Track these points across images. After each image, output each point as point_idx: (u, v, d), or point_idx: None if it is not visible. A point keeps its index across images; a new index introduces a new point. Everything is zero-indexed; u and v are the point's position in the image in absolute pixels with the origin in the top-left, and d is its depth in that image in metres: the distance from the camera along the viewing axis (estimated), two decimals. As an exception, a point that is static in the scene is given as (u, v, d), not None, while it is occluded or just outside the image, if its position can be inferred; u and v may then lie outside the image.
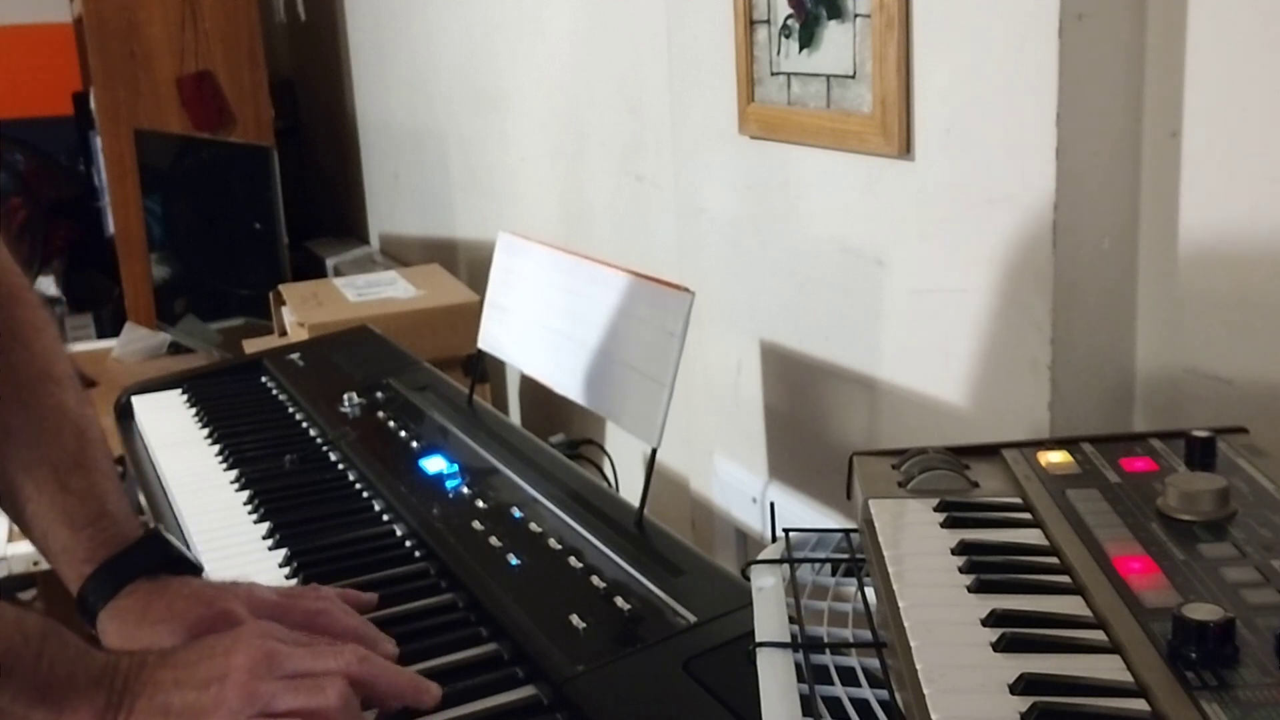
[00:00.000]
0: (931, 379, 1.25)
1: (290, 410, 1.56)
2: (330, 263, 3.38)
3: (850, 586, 0.85)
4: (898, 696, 0.68)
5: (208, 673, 0.80)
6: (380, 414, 1.46)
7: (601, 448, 2.00)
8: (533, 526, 1.11)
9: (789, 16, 1.36)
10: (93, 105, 3.37)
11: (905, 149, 1.22)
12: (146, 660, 0.83)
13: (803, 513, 1.48)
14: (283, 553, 1.15)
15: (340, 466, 1.36)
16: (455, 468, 1.27)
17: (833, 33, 1.30)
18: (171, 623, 0.90)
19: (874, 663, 0.75)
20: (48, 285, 4.09)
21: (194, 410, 1.59)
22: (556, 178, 2.27)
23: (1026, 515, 0.79)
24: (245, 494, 1.29)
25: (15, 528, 2.02)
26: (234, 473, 1.36)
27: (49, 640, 0.80)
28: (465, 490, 1.22)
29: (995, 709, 0.59)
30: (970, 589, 0.70)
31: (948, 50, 1.16)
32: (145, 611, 0.92)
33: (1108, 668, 0.62)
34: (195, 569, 0.99)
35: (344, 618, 0.94)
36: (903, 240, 1.26)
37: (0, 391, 0.98)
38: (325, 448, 1.42)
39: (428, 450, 1.32)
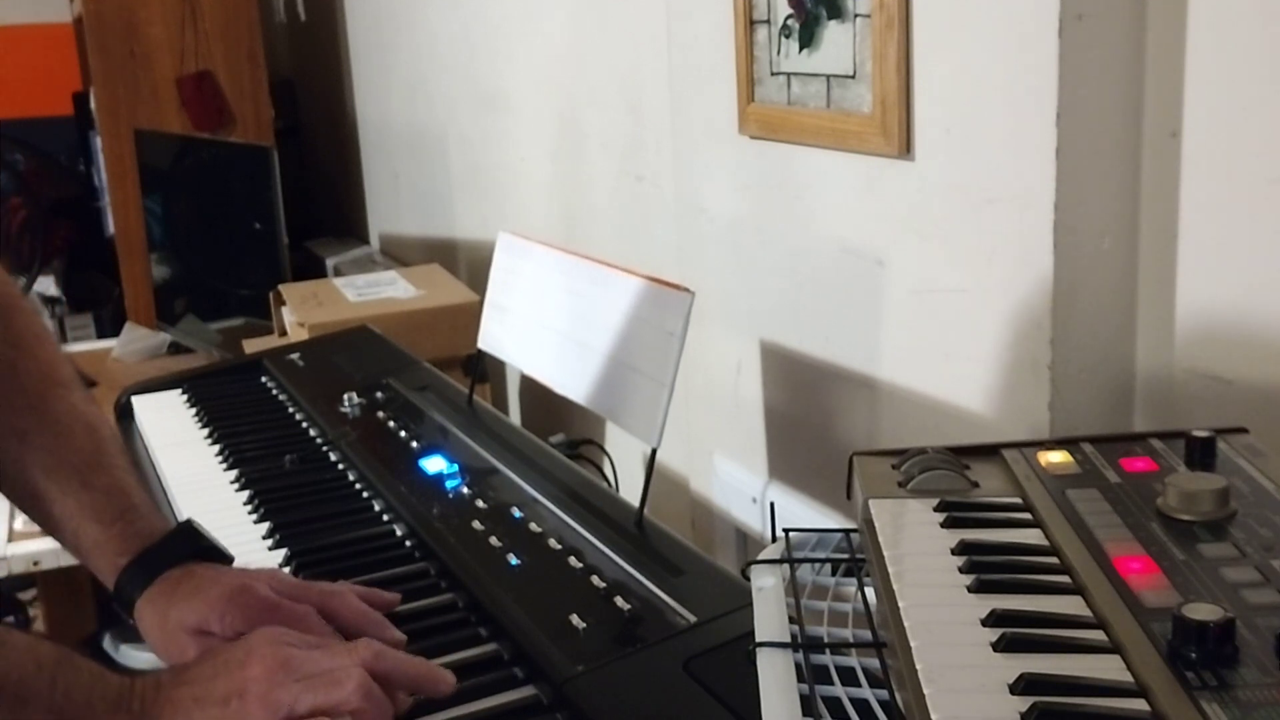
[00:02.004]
0: (931, 379, 1.25)
1: (290, 410, 1.56)
2: (330, 263, 3.38)
3: (850, 586, 0.85)
4: (898, 696, 0.68)
5: (226, 688, 0.81)
6: (380, 414, 1.46)
7: (601, 448, 2.00)
8: (533, 526, 1.11)
9: (789, 16, 1.36)
10: (93, 105, 3.37)
11: (905, 149, 1.22)
12: (161, 680, 0.83)
13: (803, 513, 1.48)
14: (283, 553, 1.15)
15: (340, 466, 1.36)
16: (455, 468, 1.27)
17: (833, 33, 1.30)
18: (196, 599, 0.93)
19: (874, 663, 0.75)
20: (48, 285, 4.09)
21: (194, 410, 1.60)
22: (556, 178, 2.27)
23: (1026, 515, 0.79)
24: (245, 494, 1.29)
25: (14, 528, 2.03)
26: (234, 473, 1.36)
27: (62, 667, 0.81)
28: (465, 490, 1.22)
29: (995, 709, 0.59)
30: (970, 589, 0.70)
31: (948, 50, 1.16)
32: (174, 592, 0.95)
33: (1108, 668, 0.62)
34: (225, 558, 1.02)
35: (355, 602, 0.96)
36: (903, 240, 1.26)
37: (12, 400, 1.01)
38: (325, 448, 1.42)
39: (428, 450, 1.32)
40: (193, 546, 1.00)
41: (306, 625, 0.91)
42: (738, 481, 1.63)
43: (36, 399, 1.02)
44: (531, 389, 2.41)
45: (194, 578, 0.96)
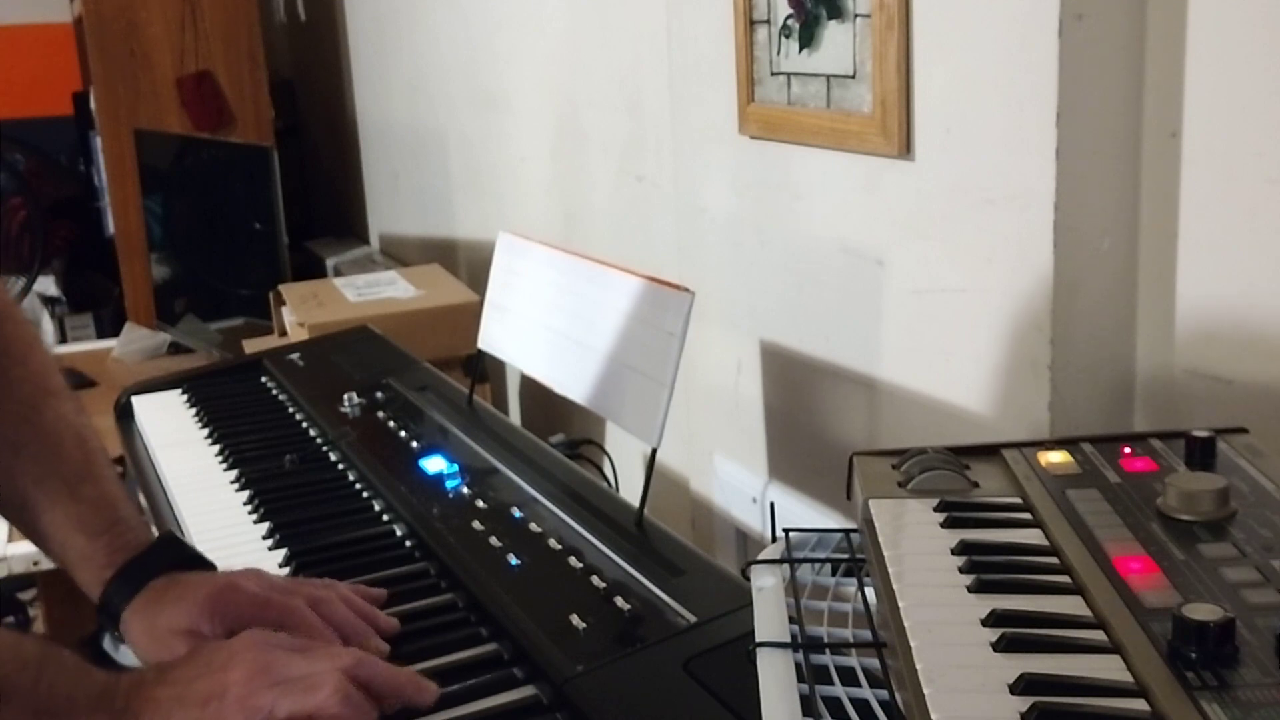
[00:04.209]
0: (931, 379, 1.25)
1: (290, 410, 1.56)
2: (330, 263, 3.38)
3: (850, 586, 0.85)
4: (898, 696, 0.68)
5: (206, 690, 0.81)
6: (380, 414, 1.46)
7: (601, 448, 2.00)
8: (533, 526, 1.11)
9: (789, 16, 1.36)
10: (93, 105, 3.37)
11: (905, 149, 1.22)
12: (145, 678, 0.84)
13: (803, 513, 1.48)
14: (283, 553, 1.15)
15: (340, 466, 1.36)
16: (455, 468, 1.27)
17: (833, 33, 1.30)
18: (184, 602, 0.94)
19: (874, 663, 0.75)
20: (48, 285, 4.09)
21: (194, 410, 1.60)
22: (556, 178, 2.27)
23: (1026, 515, 0.79)
24: (245, 494, 1.29)
25: (15, 528, 2.03)
26: (234, 473, 1.36)
27: (47, 663, 0.82)
28: (465, 490, 1.22)
29: (995, 709, 0.59)
30: (970, 589, 0.70)
31: (948, 50, 1.16)
32: (161, 599, 0.95)
33: (1108, 668, 0.62)
34: (208, 566, 1.02)
35: (341, 609, 0.96)
36: (903, 240, 1.26)
37: (4, 409, 1.02)
38: (325, 448, 1.42)
39: (428, 450, 1.32)
40: (176, 556, 1.00)
41: (297, 620, 0.92)
42: (738, 481, 1.63)
43: (28, 408, 1.03)
44: (531, 389, 2.41)
45: (179, 584, 0.96)
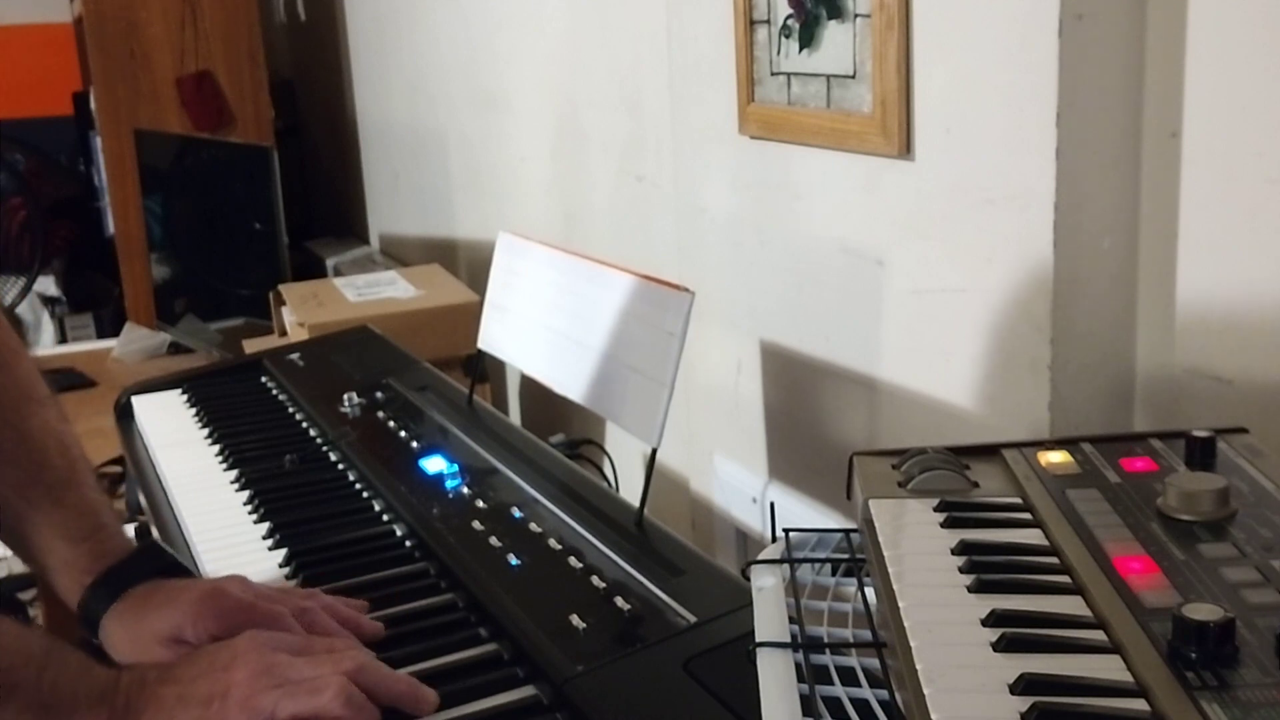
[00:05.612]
0: (931, 379, 1.25)
1: (290, 410, 1.56)
2: (330, 263, 3.38)
3: (850, 586, 0.85)
4: (898, 696, 0.68)
5: (209, 689, 0.81)
6: (380, 414, 1.46)
7: (601, 448, 2.00)
8: (533, 526, 1.11)
9: (789, 16, 1.36)
10: (93, 105, 3.38)
11: (905, 149, 1.22)
12: (147, 677, 0.84)
13: (803, 513, 1.48)
14: (283, 553, 1.15)
15: (340, 466, 1.36)
16: (455, 468, 1.27)
17: (833, 33, 1.30)
18: (169, 607, 0.94)
19: (874, 663, 0.75)
20: (48, 285, 4.09)
21: (194, 410, 1.60)
22: (556, 178, 2.27)
23: (1026, 515, 0.79)
24: (245, 494, 1.29)
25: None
26: (234, 473, 1.36)
27: (51, 659, 0.82)
28: (465, 490, 1.22)
29: (995, 709, 0.59)
30: (970, 589, 0.70)
31: (948, 50, 1.16)
32: (145, 604, 0.95)
33: (1108, 668, 0.62)
34: (189, 574, 1.02)
35: (324, 618, 0.96)
36: (903, 240, 1.26)
37: None
38: (325, 448, 1.42)
39: (428, 450, 1.32)
40: (158, 563, 1.01)
41: (282, 626, 0.92)
42: (738, 481, 1.63)
43: (13, 415, 1.03)
44: (531, 389, 2.41)
45: (163, 589, 0.96)
